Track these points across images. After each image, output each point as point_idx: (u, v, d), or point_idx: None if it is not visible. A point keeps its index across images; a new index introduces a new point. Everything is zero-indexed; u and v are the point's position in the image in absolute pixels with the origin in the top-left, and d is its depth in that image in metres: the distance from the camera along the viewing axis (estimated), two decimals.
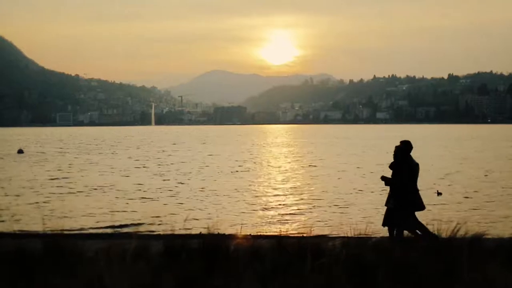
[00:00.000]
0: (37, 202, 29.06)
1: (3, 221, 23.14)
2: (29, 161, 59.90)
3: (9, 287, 7.06)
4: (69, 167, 53.27)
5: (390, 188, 13.39)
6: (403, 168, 13.23)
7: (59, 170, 49.68)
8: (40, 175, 44.08)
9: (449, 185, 36.13)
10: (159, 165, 55.62)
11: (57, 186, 36.51)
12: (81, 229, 21.13)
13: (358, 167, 50.20)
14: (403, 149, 13.48)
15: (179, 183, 38.58)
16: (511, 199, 29.77)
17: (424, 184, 33.39)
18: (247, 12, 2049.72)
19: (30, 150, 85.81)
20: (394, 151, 13.58)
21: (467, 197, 30.61)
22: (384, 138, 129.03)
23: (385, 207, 13.49)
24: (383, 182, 13.55)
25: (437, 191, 32.73)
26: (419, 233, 13.01)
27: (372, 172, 43.65)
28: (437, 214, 23.57)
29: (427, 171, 39.54)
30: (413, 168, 13.27)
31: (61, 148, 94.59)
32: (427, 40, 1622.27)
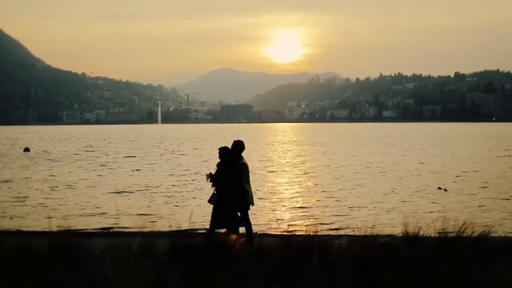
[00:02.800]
0: (44, 200, 29.12)
1: (10, 219, 23.19)
2: (35, 159, 60.04)
3: (16, 285, 7.06)
4: (74, 166, 53.37)
5: (215, 187, 13.58)
6: (228, 168, 13.43)
7: (62, 169, 49.77)
8: (44, 174, 44.18)
9: (459, 181, 36.05)
10: (168, 162, 55.64)
11: (63, 185, 36.56)
12: (87, 227, 21.14)
13: (367, 166, 50.15)
14: (233, 148, 13.70)
15: (188, 180, 38.58)
16: None
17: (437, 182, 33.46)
18: (254, 10, 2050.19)
19: (36, 148, 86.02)
20: (221, 151, 13.76)
21: (475, 194, 30.53)
22: (403, 136, 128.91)
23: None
24: (211, 179, 13.66)
25: (439, 187, 32.92)
26: (236, 232, 13.21)
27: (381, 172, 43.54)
28: (444, 211, 23.55)
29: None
30: (242, 168, 13.46)
31: (66, 146, 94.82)
32: (433, 39, 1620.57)
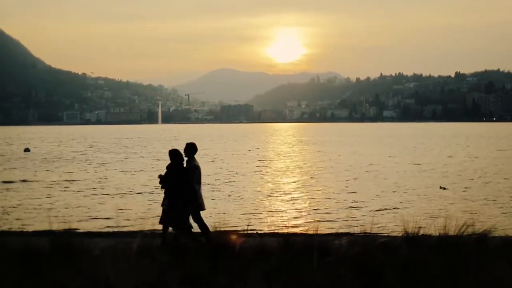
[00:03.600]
0: (45, 200, 29.12)
1: (11, 219, 23.18)
2: (36, 160, 60.01)
3: (17, 284, 7.07)
4: (77, 166, 53.36)
5: (165, 189, 13.64)
6: (179, 170, 13.51)
7: (65, 170, 49.76)
8: (45, 174, 44.16)
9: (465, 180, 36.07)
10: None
11: (64, 186, 36.56)
12: (88, 227, 21.14)
13: (370, 165, 50.14)
14: (186, 151, 13.76)
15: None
16: None
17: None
18: (254, 11, 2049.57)
19: (36, 148, 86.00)
20: (171, 153, 13.77)
21: (475, 194, 30.51)
22: (404, 136, 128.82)
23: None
24: (160, 181, 13.73)
25: (440, 186, 32.99)
26: (189, 232, 13.48)
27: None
28: (445, 211, 23.56)
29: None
30: (194, 170, 13.54)
31: (63, 145, 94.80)
32: (434, 38, 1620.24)
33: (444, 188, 32.66)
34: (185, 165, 13.70)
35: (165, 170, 13.75)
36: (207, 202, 28.78)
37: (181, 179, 13.40)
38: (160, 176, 13.71)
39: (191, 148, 13.79)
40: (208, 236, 13.24)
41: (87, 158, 63.09)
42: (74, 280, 6.67)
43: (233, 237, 10.06)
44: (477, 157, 60.79)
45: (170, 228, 13.55)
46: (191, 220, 13.69)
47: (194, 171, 13.54)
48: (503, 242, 10.06)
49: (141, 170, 48.00)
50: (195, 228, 13.81)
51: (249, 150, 78.94)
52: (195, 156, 13.87)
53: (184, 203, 13.39)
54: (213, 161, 58.02)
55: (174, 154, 13.72)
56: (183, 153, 13.84)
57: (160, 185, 13.68)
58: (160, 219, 13.67)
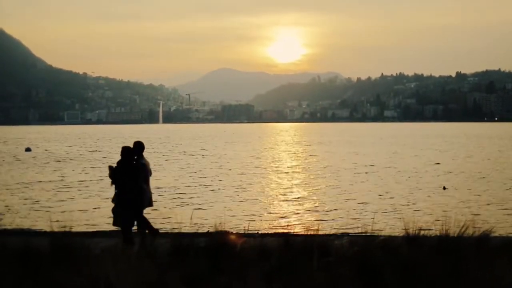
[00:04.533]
0: (46, 200, 29.12)
1: (11, 219, 23.19)
2: (37, 159, 60.04)
3: (17, 284, 7.06)
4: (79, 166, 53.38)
5: (115, 187, 13.83)
6: (127, 167, 13.68)
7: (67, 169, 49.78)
8: (45, 174, 44.18)
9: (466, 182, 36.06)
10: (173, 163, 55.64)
11: (64, 185, 36.57)
12: (88, 227, 21.14)
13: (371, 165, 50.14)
14: (134, 149, 13.95)
15: (189, 181, 38.59)
16: None
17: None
18: (255, 10, 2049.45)
19: (37, 148, 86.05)
20: (122, 150, 13.92)
21: (476, 193, 30.49)
22: (406, 136, 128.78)
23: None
24: (110, 174, 13.91)
25: (444, 187, 33.05)
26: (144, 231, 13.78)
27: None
28: (446, 211, 23.54)
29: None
30: (141, 168, 13.74)
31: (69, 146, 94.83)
32: (435, 38, 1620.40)
33: (444, 188, 32.71)
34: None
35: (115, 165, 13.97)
36: (209, 202, 28.86)
37: (130, 176, 13.58)
38: (110, 168, 13.92)
39: (139, 147, 13.98)
40: (153, 230, 13.77)
41: (88, 158, 63.09)
42: (74, 280, 6.66)
43: (234, 237, 10.06)
44: (482, 157, 60.79)
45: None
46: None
47: (142, 169, 13.74)
48: (503, 242, 10.05)
49: None
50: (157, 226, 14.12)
51: (253, 150, 78.97)
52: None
53: (130, 201, 13.58)
54: (216, 161, 58.04)
55: (125, 151, 13.89)
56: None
57: (110, 182, 13.87)
58: (114, 220, 13.94)
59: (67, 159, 60.61)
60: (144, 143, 14.37)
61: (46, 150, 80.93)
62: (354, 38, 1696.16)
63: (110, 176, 13.80)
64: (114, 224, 13.94)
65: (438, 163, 51.53)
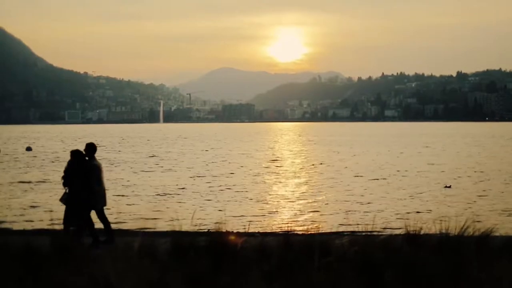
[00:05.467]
0: (46, 198, 29.13)
1: (12, 218, 23.19)
2: (37, 158, 60.06)
3: (17, 283, 7.06)
4: None
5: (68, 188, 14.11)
6: (79, 169, 14.00)
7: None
8: (45, 173, 44.18)
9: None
10: (170, 161, 55.66)
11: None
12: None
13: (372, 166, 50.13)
14: (86, 150, 14.30)
15: (190, 180, 38.60)
16: None
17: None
18: (256, 10, 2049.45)
19: (37, 147, 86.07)
20: (73, 153, 14.32)
21: (479, 194, 30.46)
22: (407, 135, 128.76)
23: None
24: (62, 177, 14.31)
25: (445, 185, 33.06)
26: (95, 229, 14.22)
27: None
28: (448, 210, 23.53)
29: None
30: (93, 169, 14.07)
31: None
32: (435, 38, 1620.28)
33: (446, 187, 32.73)
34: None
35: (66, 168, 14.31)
36: (210, 201, 28.86)
37: (81, 178, 13.87)
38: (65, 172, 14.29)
39: (90, 148, 14.31)
40: (110, 234, 14.08)
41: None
42: (74, 280, 6.66)
43: (234, 236, 10.05)
44: (486, 156, 60.80)
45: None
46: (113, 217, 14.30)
47: (93, 170, 14.05)
48: (504, 242, 10.05)
49: (142, 170, 48.06)
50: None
51: (256, 150, 78.97)
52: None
53: (83, 202, 13.85)
54: (221, 160, 58.07)
55: (75, 154, 14.26)
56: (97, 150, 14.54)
57: (62, 183, 14.18)
58: (64, 218, 14.13)
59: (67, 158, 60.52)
60: (96, 145, 14.73)
61: (42, 147, 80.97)
62: (355, 37, 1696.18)
63: (63, 177, 14.13)
64: (68, 224, 14.06)
65: (431, 164, 51.50)
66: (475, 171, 43.38)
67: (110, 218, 23.03)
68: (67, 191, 13.99)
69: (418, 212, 24.44)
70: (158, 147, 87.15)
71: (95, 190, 13.92)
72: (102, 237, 14.34)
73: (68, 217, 13.91)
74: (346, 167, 48.11)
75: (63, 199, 14.04)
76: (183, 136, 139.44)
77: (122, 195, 31.01)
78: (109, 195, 31.11)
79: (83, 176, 13.82)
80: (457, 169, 45.09)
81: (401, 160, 55.51)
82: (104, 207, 14.61)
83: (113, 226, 21.32)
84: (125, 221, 22.20)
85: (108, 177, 40.92)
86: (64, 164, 14.70)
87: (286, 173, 44.60)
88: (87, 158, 14.20)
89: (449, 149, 74.51)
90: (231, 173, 43.34)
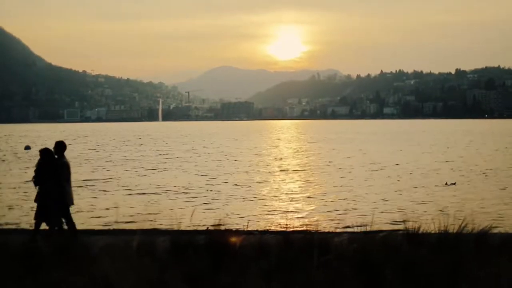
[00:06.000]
0: None
1: (12, 217, 23.19)
2: (36, 157, 59.90)
3: (17, 282, 7.06)
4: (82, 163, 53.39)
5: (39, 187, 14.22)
6: (49, 168, 14.10)
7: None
8: None
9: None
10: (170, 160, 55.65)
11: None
12: (87, 225, 21.12)
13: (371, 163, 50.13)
14: (55, 149, 14.40)
15: (189, 178, 38.59)
16: None
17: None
18: (255, 8, 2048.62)
19: (36, 146, 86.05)
20: (42, 152, 14.47)
21: (479, 191, 30.47)
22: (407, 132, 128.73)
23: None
24: (33, 177, 14.39)
25: (446, 183, 33.06)
26: (65, 227, 14.13)
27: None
28: (447, 207, 23.53)
29: None
30: (63, 167, 14.17)
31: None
32: (434, 35, 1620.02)
33: (451, 184, 32.76)
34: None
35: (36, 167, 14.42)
36: (209, 199, 28.84)
37: (52, 176, 13.97)
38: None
39: (60, 147, 14.41)
40: (74, 233, 13.96)
41: (87, 156, 63.10)
42: (73, 279, 6.66)
43: (233, 235, 10.05)
44: (483, 153, 60.82)
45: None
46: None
47: (63, 169, 14.13)
48: (502, 239, 10.06)
49: (142, 167, 48.05)
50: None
51: (256, 148, 78.96)
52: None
53: (53, 200, 13.91)
54: (221, 159, 58.04)
55: (44, 152, 14.40)
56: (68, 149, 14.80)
57: (34, 183, 14.25)
58: (35, 214, 14.15)
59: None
60: (65, 143, 14.78)
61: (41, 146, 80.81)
62: (353, 35, 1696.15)
63: (33, 177, 14.23)
64: (40, 222, 14.14)
65: (435, 161, 51.52)
66: (471, 169, 43.37)
67: (111, 217, 23.09)
68: (39, 190, 14.07)
69: (417, 208, 24.45)
70: (161, 146, 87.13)
71: (65, 188, 14.02)
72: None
73: (39, 216, 13.97)
74: (344, 165, 48.09)
75: (38, 200, 14.12)
76: (183, 135, 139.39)
77: (120, 194, 31.00)
78: (109, 194, 31.17)
79: (53, 174, 13.94)
80: (459, 167, 45.09)
81: (401, 157, 55.47)
82: (71, 206, 14.62)
83: (112, 225, 21.38)
84: (124, 219, 22.18)
85: (112, 175, 41.01)
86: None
87: (285, 171, 44.56)
88: (56, 156, 14.30)
89: (452, 147, 74.47)
90: (231, 172, 43.34)
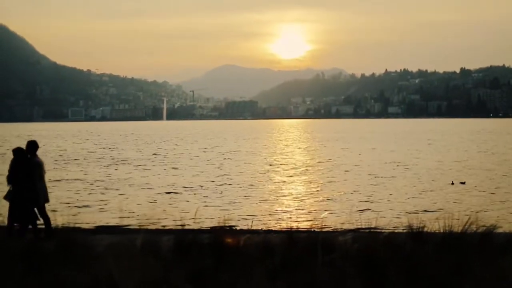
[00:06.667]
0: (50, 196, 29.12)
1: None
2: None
3: (21, 281, 7.06)
4: (85, 163, 53.45)
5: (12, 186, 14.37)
6: (22, 167, 14.24)
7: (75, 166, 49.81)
8: (52, 171, 44.27)
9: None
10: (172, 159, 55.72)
11: (68, 182, 36.62)
12: (91, 224, 21.14)
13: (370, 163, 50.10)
14: (28, 148, 14.53)
15: (193, 177, 38.61)
16: None
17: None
18: (258, 7, 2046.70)
19: (40, 145, 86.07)
20: (15, 151, 14.55)
21: (484, 190, 30.43)
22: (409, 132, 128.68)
23: None
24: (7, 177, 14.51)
25: (452, 182, 33.05)
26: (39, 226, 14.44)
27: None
28: (452, 206, 23.52)
29: None
30: (35, 166, 14.37)
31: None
32: (439, 34, 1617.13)
33: (454, 183, 32.74)
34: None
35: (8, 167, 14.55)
36: (214, 199, 28.86)
37: (24, 175, 14.15)
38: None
39: (32, 146, 14.58)
40: (49, 230, 14.14)
41: (92, 155, 63.21)
42: (77, 277, 6.66)
43: (238, 234, 10.05)
44: (488, 152, 60.76)
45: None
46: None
47: (35, 168, 14.32)
48: (507, 238, 10.03)
49: (144, 166, 48.11)
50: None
51: (262, 147, 78.99)
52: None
53: (26, 198, 14.11)
54: (226, 158, 58.10)
55: (16, 152, 14.50)
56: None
57: (7, 182, 14.39)
58: (8, 214, 14.32)
59: (69, 156, 60.75)
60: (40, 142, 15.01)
61: (51, 147, 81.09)
62: (358, 34, 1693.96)
63: (7, 176, 14.37)
64: (13, 220, 14.29)
65: (440, 161, 51.49)
66: (481, 167, 43.32)
67: (114, 216, 23.13)
68: (11, 188, 14.24)
69: (421, 207, 24.43)
70: (164, 145, 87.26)
71: (37, 187, 14.19)
72: (43, 234, 14.49)
73: (12, 214, 14.15)
74: (351, 164, 48.07)
75: (7, 197, 14.28)
76: (188, 133, 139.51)
77: (125, 193, 31.03)
78: (111, 192, 31.22)
79: (26, 174, 14.11)
80: (466, 166, 45.05)
81: (408, 157, 55.43)
82: (46, 204, 14.74)
83: (116, 223, 21.41)
84: (128, 218, 22.20)
85: (111, 174, 41.07)
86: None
87: (290, 170, 44.57)
88: (29, 156, 14.46)
89: (457, 146, 74.41)
90: (235, 171, 43.36)
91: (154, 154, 64.64)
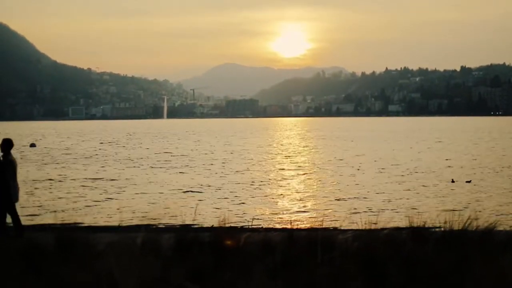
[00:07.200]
0: (49, 195, 29.17)
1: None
2: (42, 155, 60.13)
3: (21, 279, 7.07)
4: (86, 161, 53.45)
5: None
6: None
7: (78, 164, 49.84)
8: (48, 170, 44.24)
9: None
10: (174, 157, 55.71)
11: (68, 181, 36.62)
12: (92, 222, 21.16)
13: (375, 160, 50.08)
14: (2, 146, 14.53)
15: (194, 176, 38.62)
16: None
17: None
18: (259, 5, 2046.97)
19: (42, 144, 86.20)
20: None
21: (484, 188, 30.42)
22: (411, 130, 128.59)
23: None
24: None
25: (453, 179, 33.07)
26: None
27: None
28: (452, 204, 23.53)
29: None
30: (9, 164, 14.35)
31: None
32: (439, 32, 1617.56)
33: (454, 181, 32.78)
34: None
35: None
36: (215, 198, 28.88)
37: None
38: None
39: (6, 144, 14.58)
40: (19, 230, 14.17)
41: (93, 154, 63.21)
42: (77, 276, 6.66)
43: (238, 232, 10.05)
44: (489, 150, 60.74)
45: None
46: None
47: (9, 166, 14.33)
48: (508, 236, 10.03)
49: (147, 164, 48.11)
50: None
51: (263, 146, 78.97)
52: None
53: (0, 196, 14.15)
54: (227, 157, 58.09)
55: None
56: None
57: None
58: None
59: (70, 155, 60.73)
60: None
61: (51, 145, 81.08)
62: (358, 32, 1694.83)
63: None
64: None
65: (446, 159, 51.49)
66: (481, 165, 43.31)
67: (114, 214, 23.13)
68: None
69: (422, 205, 24.44)
70: (168, 144, 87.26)
71: (10, 184, 14.20)
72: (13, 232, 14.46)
73: None
74: (352, 163, 48.08)
75: None
76: (191, 132, 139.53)
77: (125, 191, 31.04)
78: (113, 191, 31.23)
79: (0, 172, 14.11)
80: (463, 164, 45.05)
81: (410, 155, 55.42)
82: (16, 203, 14.74)
83: (117, 221, 21.42)
84: (128, 216, 22.21)
85: (111, 173, 41.08)
86: None
87: (290, 168, 44.57)
88: (2, 153, 14.46)
89: (460, 144, 74.39)
90: (236, 170, 43.35)
91: (156, 153, 64.69)
